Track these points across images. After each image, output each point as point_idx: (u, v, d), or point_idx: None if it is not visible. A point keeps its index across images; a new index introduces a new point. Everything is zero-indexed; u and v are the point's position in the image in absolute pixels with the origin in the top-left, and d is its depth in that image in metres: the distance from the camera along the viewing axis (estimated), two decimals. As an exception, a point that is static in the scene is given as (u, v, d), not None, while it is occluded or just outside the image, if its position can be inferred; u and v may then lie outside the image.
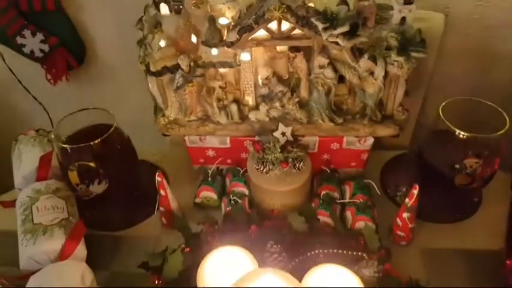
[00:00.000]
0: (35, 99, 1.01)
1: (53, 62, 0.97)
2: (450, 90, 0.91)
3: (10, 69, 0.96)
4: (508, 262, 0.60)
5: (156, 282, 0.56)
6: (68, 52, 0.96)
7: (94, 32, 0.96)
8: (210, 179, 0.74)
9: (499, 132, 0.63)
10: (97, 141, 0.66)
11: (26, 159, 0.75)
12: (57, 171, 0.73)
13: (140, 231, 0.73)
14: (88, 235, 0.69)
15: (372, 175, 0.78)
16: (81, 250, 0.63)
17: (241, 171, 0.74)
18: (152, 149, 0.88)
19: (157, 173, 0.67)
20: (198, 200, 0.75)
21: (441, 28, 0.80)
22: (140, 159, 0.82)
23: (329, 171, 0.73)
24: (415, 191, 0.61)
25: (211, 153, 0.77)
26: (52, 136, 0.69)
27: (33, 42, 0.92)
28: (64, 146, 0.66)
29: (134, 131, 0.89)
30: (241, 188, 0.73)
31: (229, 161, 0.78)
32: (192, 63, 0.67)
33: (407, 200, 0.63)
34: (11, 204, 0.72)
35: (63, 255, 0.61)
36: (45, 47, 0.94)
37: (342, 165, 0.76)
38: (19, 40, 0.92)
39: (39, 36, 0.92)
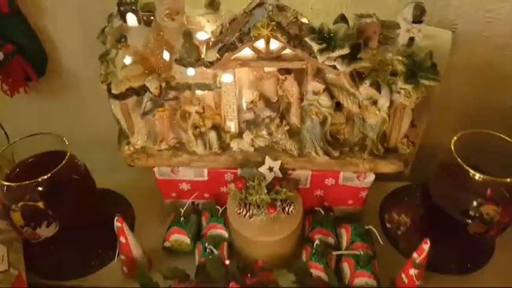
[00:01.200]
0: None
1: (9, 72, 0.85)
2: (455, 111, 0.83)
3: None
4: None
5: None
6: (26, 62, 0.84)
7: (57, 39, 0.84)
8: (182, 219, 0.63)
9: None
10: (45, 177, 0.54)
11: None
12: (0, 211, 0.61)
13: (97, 281, 0.62)
14: (37, 285, 0.57)
15: (370, 211, 0.69)
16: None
17: (220, 211, 0.63)
18: (117, 174, 0.77)
19: (116, 218, 0.55)
20: (167, 244, 0.64)
21: (449, 46, 0.72)
22: (102, 188, 0.71)
23: (322, 212, 0.63)
24: (426, 246, 0.52)
25: (185, 186, 0.66)
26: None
27: (-15, 49, 0.81)
28: (4, 183, 0.54)
29: (99, 151, 0.78)
30: (220, 230, 0.63)
31: (206, 195, 0.67)
32: (164, 84, 0.56)
33: (415, 254, 0.53)
34: None
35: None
36: (0, 55, 0.82)
37: (337, 202, 0.66)
38: (-30, 47, 0.80)
39: (-7, 42, 0.80)
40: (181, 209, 0.64)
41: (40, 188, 0.55)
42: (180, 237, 0.63)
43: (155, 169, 0.64)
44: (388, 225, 0.69)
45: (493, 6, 0.70)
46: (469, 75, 0.79)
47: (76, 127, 0.89)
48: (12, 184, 0.54)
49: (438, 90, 0.75)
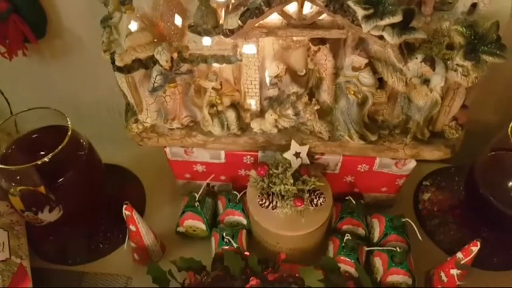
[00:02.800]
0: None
1: (5, 33, 0.77)
2: (504, 86, 0.73)
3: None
4: None
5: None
6: (24, 22, 0.76)
7: (58, -3, 0.75)
8: (197, 204, 0.57)
9: None
10: (45, 160, 0.48)
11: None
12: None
13: (106, 266, 0.57)
14: (42, 270, 0.53)
15: (402, 196, 0.62)
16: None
17: (238, 196, 0.57)
18: (126, 146, 0.70)
19: (124, 206, 0.50)
20: (181, 229, 0.59)
21: (508, 11, 0.61)
22: (109, 164, 0.65)
23: (353, 201, 0.57)
24: (474, 248, 0.45)
25: (199, 168, 0.60)
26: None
27: (-21, 7, 0.72)
28: (0, 166, 0.48)
29: (105, 119, 0.72)
30: (238, 217, 0.57)
31: (222, 177, 0.61)
32: (175, 56, 0.48)
33: (460, 254, 0.47)
34: None
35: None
36: (-5, 14, 0.74)
37: (370, 190, 0.60)
38: (-37, 4, 0.72)
39: (-13, 0, 0.72)
40: (195, 194, 0.58)
41: (40, 171, 0.49)
42: (195, 223, 0.57)
43: (167, 149, 0.57)
44: (424, 214, 0.62)
45: None
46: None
47: (80, 92, 0.83)
48: (10, 167, 0.48)
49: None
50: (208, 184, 0.61)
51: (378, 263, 0.52)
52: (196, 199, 0.57)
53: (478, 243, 0.45)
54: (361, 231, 0.56)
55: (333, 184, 0.55)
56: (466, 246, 0.46)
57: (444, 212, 0.61)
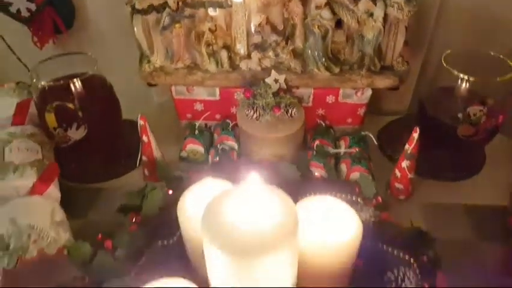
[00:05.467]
0: (20, 61, 0.97)
1: (40, 23, 0.93)
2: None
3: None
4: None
5: (134, 220, 0.51)
6: (56, 13, 0.92)
7: (84, -8, 0.92)
8: (197, 132, 0.70)
9: (504, 77, 0.59)
10: (76, 80, 0.62)
11: (1, 106, 0.71)
12: (35, 119, 0.69)
13: (120, 184, 0.68)
14: (65, 187, 0.64)
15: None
16: (54, 191, 0.59)
17: (231, 125, 0.69)
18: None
19: (139, 116, 0.62)
20: (183, 154, 0.70)
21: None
22: (126, 119, 0.77)
23: (324, 124, 0.69)
24: (415, 135, 0.57)
25: (199, 106, 0.73)
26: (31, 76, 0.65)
27: (19, 0, 0.89)
28: (42, 83, 0.62)
29: (123, 100, 0.84)
30: (230, 142, 0.69)
31: (217, 116, 0.74)
32: (180, 3, 0.63)
33: (406, 146, 0.58)
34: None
35: (33, 193, 0.56)
36: (32, 6, 0.90)
37: (338, 121, 0.72)
38: (5, -3, 0.89)
39: (26, -7, 0.89)
40: (195, 123, 0.70)
41: (72, 90, 0.62)
42: (195, 147, 0.69)
43: (173, 88, 0.71)
44: (385, 145, 0.73)
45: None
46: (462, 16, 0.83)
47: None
48: (48, 84, 0.61)
49: (440, 31, 0.81)
50: (205, 124, 0.74)
51: (344, 167, 0.64)
52: (196, 127, 0.70)
53: (417, 129, 0.57)
54: (331, 149, 0.67)
55: (308, 117, 0.67)
56: (410, 137, 0.58)
57: (402, 141, 0.73)
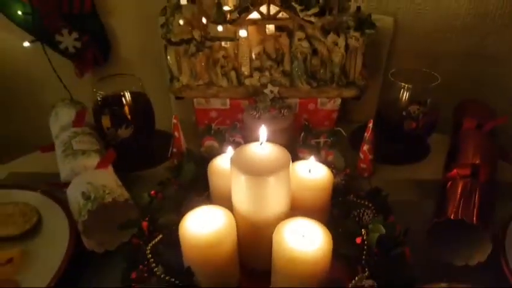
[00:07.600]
0: (65, 87, 1.20)
1: (83, 57, 1.18)
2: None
3: (50, 62, 1.16)
4: (446, 174, 0.77)
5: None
6: (97, 50, 1.17)
7: (119, 34, 1.18)
8: (212, 131, 0.93)
9: (432, 84, 0.84)
10: (127, 92, 0.85)
11: (62, 114, 0.93)
12: (90, 124, 0.91)
13: (155, 173, 0.89)
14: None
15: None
16: (112, 171, 0.80)
17: (238, 125, 0.93)
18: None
19: (174, 116, 0.85)
20: (202, 149, 0.92)
21: (391, 29, 1.05)
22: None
23: (307, 124, 0.93)
24: (370, 125, 0.81)
25: (214, 114, 0.96)
26: (94, 91, 0.87)
27: (68, 40, 1.14)
28: (102, 93, 0.85)
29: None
30: (238, 139, 0.92)
31: (227, 121, 0.97)
32: (202, 38, 0.89)
33: (365, 134, 0.82)
34: (50, 148, 0.88)
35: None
36: (78, 44, 1.15)
37: (317, 123, 0.96)
38: (57, 38, 1.14)
39: (74, 34, 1.14)
40: (211, 124, 0.93)
41: (123, 99, 0.85)
42: (212, 143, 0.92)
43: (195, 100, 0.95)
44: (353, 144, 0.97)
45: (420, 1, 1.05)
46: (411, 53, 1.11)
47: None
48: (107, 94, 0.85)
49: (394, 56, 1.08)
50: (218, 128, 0.97)
51: (323, 153, 0.86)
52: (212, 128, 0.93)
53: (372, 121, 0.81)
54: (314, 140, 0.90)
55: (295, 123, 0.91)
56: (366, 127, 0.82)
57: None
